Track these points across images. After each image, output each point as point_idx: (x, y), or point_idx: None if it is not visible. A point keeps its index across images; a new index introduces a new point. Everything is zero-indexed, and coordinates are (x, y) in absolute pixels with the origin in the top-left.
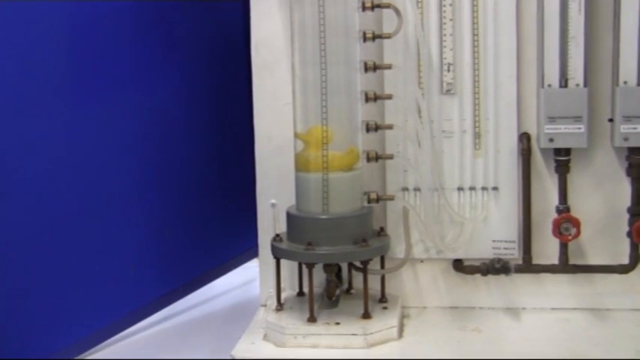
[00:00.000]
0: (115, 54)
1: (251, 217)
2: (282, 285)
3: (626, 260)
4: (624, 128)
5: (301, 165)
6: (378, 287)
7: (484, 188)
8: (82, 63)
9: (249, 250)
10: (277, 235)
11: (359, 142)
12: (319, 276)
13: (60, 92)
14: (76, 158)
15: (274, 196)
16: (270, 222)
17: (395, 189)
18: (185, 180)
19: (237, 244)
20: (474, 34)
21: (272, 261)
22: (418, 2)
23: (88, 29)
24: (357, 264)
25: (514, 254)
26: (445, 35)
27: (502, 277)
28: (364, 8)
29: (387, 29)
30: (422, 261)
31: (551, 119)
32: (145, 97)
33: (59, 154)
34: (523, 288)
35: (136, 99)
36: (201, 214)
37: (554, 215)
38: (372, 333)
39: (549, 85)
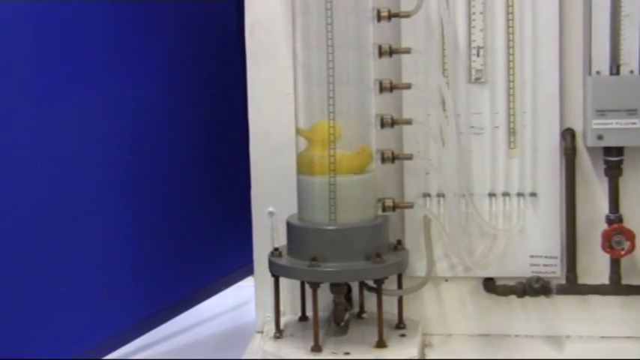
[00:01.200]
0: (87, 38)
1: (245, 227)
2: (282, 308)
3: None
4: None
5: (304, 167)
6: (395, 311)
7: (520, 194)
8: (47, 48)
9: (242, 267)
10: (276, 249)
11: (372, 139)
12: (325, 297)
13: (21, 83)
14: (40, 159)
15: (272, 204)
16: (267, 234)
17: (415, 195)
18: (168, 184)
19: (229, 260)
20: (509, 13)
21: (270, 279)
22: None
23: (53, 7)
24: (370, 283)
25: (556, 272)
26: (474, 14)
27: (542, 299)
28: None
29: (405, 7)
30: (446, 280)
31: (600, 113)
32: (123, 88)
33: (19, 155)
34: (567, 312)
35: (112, 90)
36: (186, 224)
37: (604, 226)
38: None
39: (598, 73)
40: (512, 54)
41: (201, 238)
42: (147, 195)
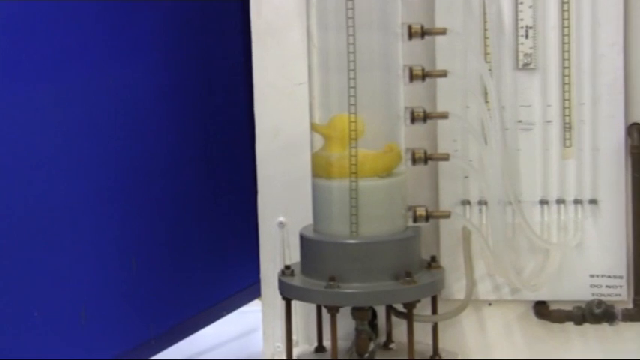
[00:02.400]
0: (61, 17)
1: (250, 241)
2: (295, 336)
3: None
4: None
5: (320, 169)
6: (429, 340)
7: (577, 202)
8: (26, 44)
9: (248, 288)
10: (287, 267)
11: (400, 136)
12: (346, 324)
13: None
14: (13, 162)
15: (282, 213)
16: (276, 249)
17: (451, 202)
18: (160, 191)
19: (232, 280)
20: None
21: (280, 303)
22: None
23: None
24: (399, 307)
25: (620, 295)
26: None
27: (604, 326)
28: None
29: None
30: (490, 304)
31: None
32: (105, 76)
33: None
34: (633, 342)
35: (92, 78)
36: (181, 237)
37: None
38: None
39: None
40: (568, 35)
41: (198, 254)
42: (134, 203)
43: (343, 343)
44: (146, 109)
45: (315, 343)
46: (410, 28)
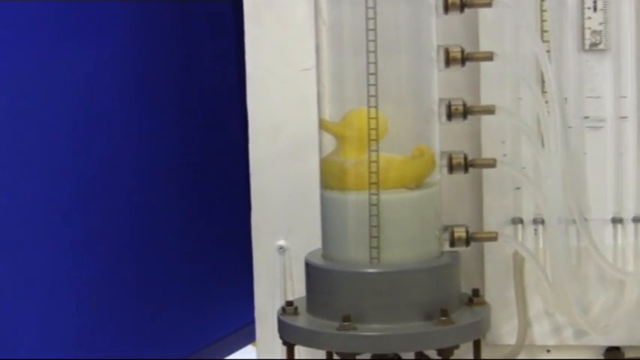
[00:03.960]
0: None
1: (243, 271)
2: None
3: None
4: None
5: (332, 178)
6: None
7: None
8: None
9: (239, 331)
10: (289, 304)
11: (434, 136)
12: None
13: None
14: None
15: (283, 235)
16: (275, 280)
17: (499, 221)
18: (127, 208)
19: (220, 321)
20: None
21: (280, 349)
22: None
23: None
24: (433, 355)
25: None
26: None
27: None
28: None
29: None
30: (549, 350)
31: None
32: (59, 61)
33: None
34: None
35: (40, 63)
36: (155, 267)
37: None
38: None
39: None
40: None
41: (176, 288)
42: (94, 224)
43: None
44: (111, 103)
45: None
46: None
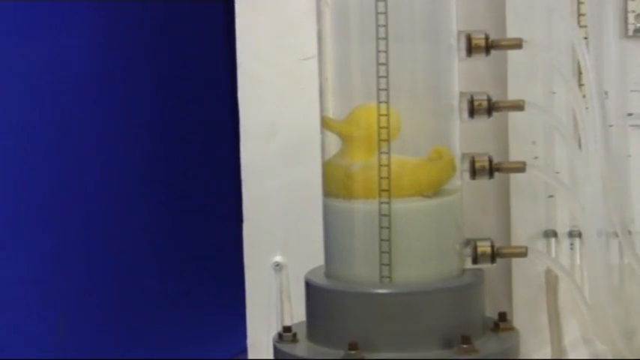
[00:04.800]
0: None
1: (233, 291)
2: None
3: None
4: None
5: (336, 185)
6: None
7: None
8: None
9: None
10: (287, 330)
11: (454, 136)
12: None
13: None
14: None
15: (280, 250)
16: (271, 302)
17: (529, 233)
18: (98, 220)
19: (207, 349)
20: None
21: None
22: None
23: None
24: None
25: None
26: None
27: None
28: None
29: None
30: None
31: None
32: (14, 52)
33: None
34: None
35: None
36: (130, 288)
37: None
38: None
39: None
40: None
41: (156, 311)
42: (61, 238)
43: None
44: (77, 99)
45: None
46: None
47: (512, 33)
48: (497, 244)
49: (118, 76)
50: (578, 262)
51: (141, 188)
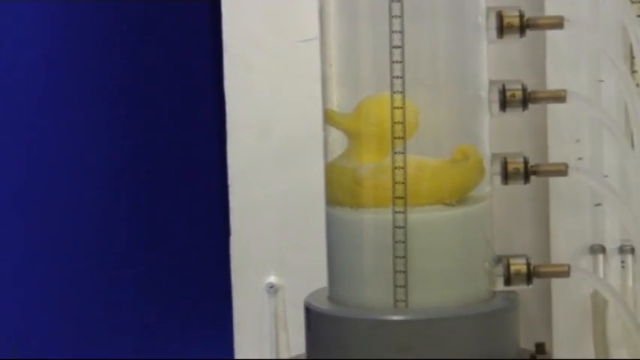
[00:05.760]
0: None
1: (218, 317)
2: None
3: None
4: None
5: (342, 191)
6: None
7: None
8: None
9: None
10: None
11: (482, 133)
12: None
13: None
14: None
15: (275, 269)
16: (264, 330)
17: (572, 249)
18: (60, 232)
19: None
20: None
21: None
22: None
23: None
24: None
25: None
26: None
27: None
28: None
29: None
30: None
31: None
32: None
33: None
34: None
35: None
36: (92, 313)
37: None
38: None
39: None
40: None
41: (127, 342)
42: (21, 256)
43: None
44: (31, 91)
45: None
46: None
47: (551, 10)
48: (534, 262)
49: (87, 67)
50: (630, 282)
51: (110, 200)
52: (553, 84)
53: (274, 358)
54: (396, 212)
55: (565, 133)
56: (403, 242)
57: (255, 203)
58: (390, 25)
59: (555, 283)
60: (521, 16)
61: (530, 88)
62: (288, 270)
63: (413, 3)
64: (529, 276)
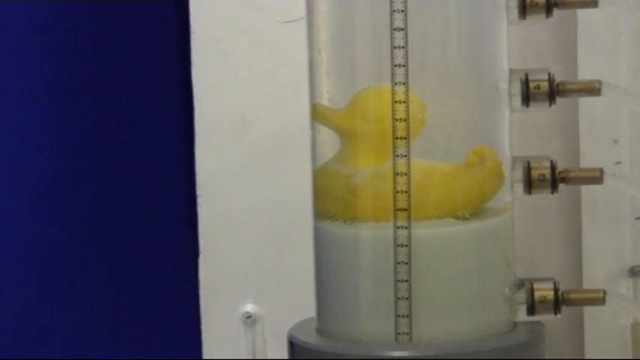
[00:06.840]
0: None
1: (187, 350)
2: None
3: None
4: None
5: (333, 201)
6: None
7: None
8: None
9: None
10: None
11: (501, 133)
12: None
13: None
14: None
15: (252, 297)
16: None
17: (608, 271)
18: (10, 248)
19: None
20: None
21: None
22: None
23: None
24: None
25: None
26: None
27: None
28: None
29: None
30: None
31: None
32: None
33: None
34: None
35: None
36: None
37: None
38: None
39: None
40: None
41: None
42: None
43: None
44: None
45: None
46: None
47: None
48: (563, 287)
49: (43, 61)
50: None
51: (64, 213)
52: (585, 74)
53: None
54: (399, 227)
55: (600, 132)
56: (407, 263)
57: (228, 217)
58: (391, 3)
59: (588, 311)
60: None
61: (558, 79)
62: (267, 297)
63: None
64: (557, 303)
